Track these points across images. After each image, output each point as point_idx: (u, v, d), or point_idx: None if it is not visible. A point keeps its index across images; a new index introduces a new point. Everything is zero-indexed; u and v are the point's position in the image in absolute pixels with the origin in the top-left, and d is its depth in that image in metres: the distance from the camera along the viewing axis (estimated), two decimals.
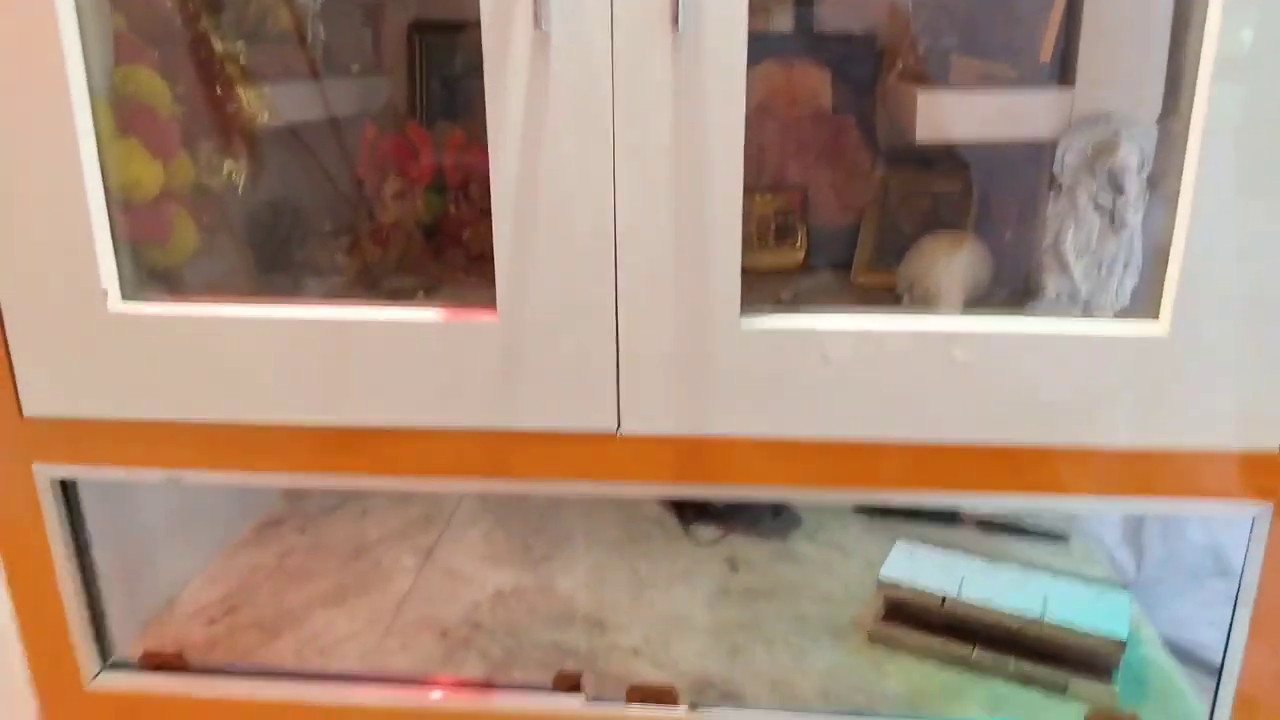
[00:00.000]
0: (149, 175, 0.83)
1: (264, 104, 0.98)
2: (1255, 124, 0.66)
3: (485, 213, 1.05)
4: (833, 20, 1.11)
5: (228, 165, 0.96)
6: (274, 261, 1.04)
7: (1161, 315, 0.71)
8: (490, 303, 0.74)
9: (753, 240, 1.09)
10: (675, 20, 0.66)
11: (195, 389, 0.79)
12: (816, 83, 1.11)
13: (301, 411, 0.78)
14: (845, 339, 0.72)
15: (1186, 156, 0.69)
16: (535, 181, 0.71)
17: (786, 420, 0.75)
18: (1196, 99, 0.69)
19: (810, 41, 1.10)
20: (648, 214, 0.71)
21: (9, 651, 0.87)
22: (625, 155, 0.70)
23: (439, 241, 1.08)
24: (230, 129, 0.97)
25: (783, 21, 1.11)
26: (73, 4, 0.73)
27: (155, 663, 0.91)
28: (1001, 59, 0.92)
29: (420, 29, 1.15)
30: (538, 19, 0.67)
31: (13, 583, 0.86)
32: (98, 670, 0.90)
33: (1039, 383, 0.72)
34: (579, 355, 0.74)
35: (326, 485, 0.81)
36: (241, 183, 0.98)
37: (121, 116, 0.81)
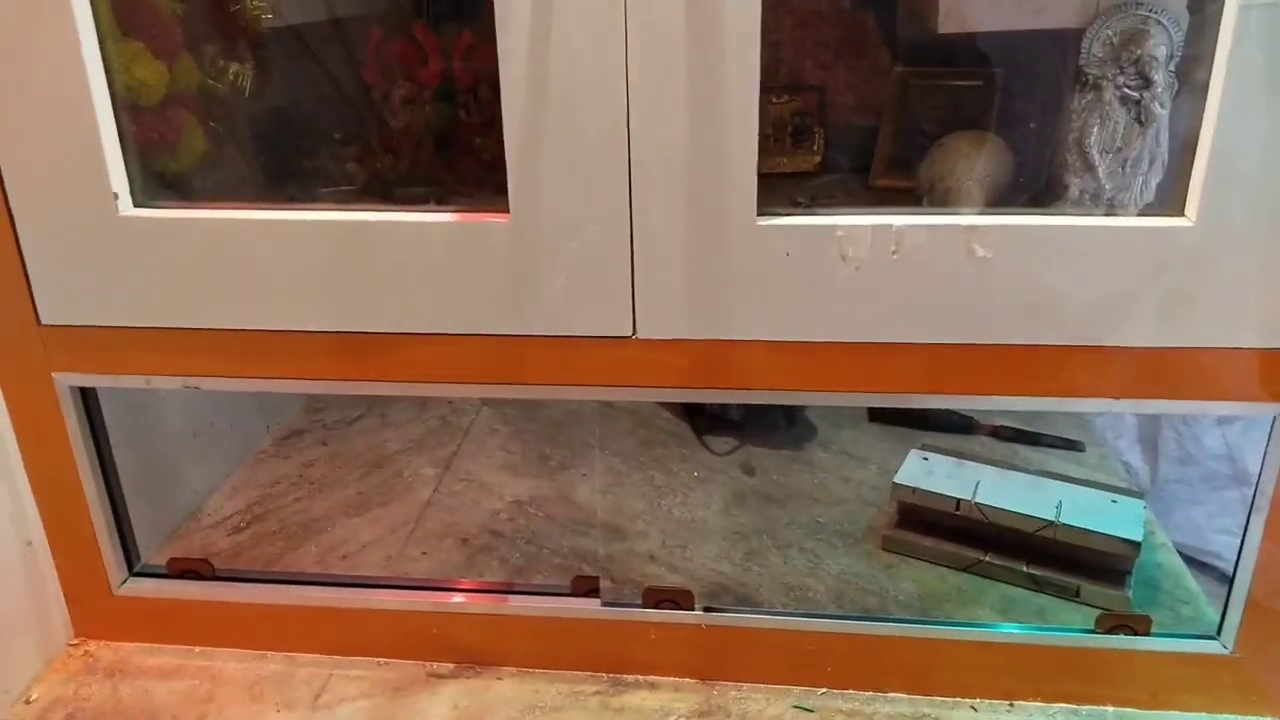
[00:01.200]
0: (154, 77, 0.81)
1: (267, 4, 0.95)
2: None
3: (497, 118, 1.03)
4: None
5: (233, 68, 0.94)
6: (284, 170, 1.03)
7: (1188, 209, 0.69)
8: (504, 207, 0.73)
9: (769, 143, 1.07)
10: None
11: (209, 296, 0.78)
12: None
13: (315, 317, 0.78)
14: (863, 235, 0.71)
15: (1218, 45, 0.66)
16: (545, 81, 0.69)
17: (804, 323, 0.74)
18: None
19: None
20: (661, 113, 0.69)
21: (39, 559, 0.89)
22: (638, 53, 0.67)
23: (451, 149, 1.06)
24: (234, 30, 0.94)
25: None
26: None
27: (181, 569, 0.93)
28: None
29: None
30: None
31: (39, 491, 0.87)
32: (124, 578, 0.92)
33: (1060, 281, 0.71)
34: (593, 258, 0.73)
35: (341, 391, 0.81)
36: (248, 86, 0.96)
37: (123, 17, 0.79)
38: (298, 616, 0.90)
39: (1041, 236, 0.71)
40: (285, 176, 1.02)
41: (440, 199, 0.98)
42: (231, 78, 0.94)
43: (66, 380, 0.82)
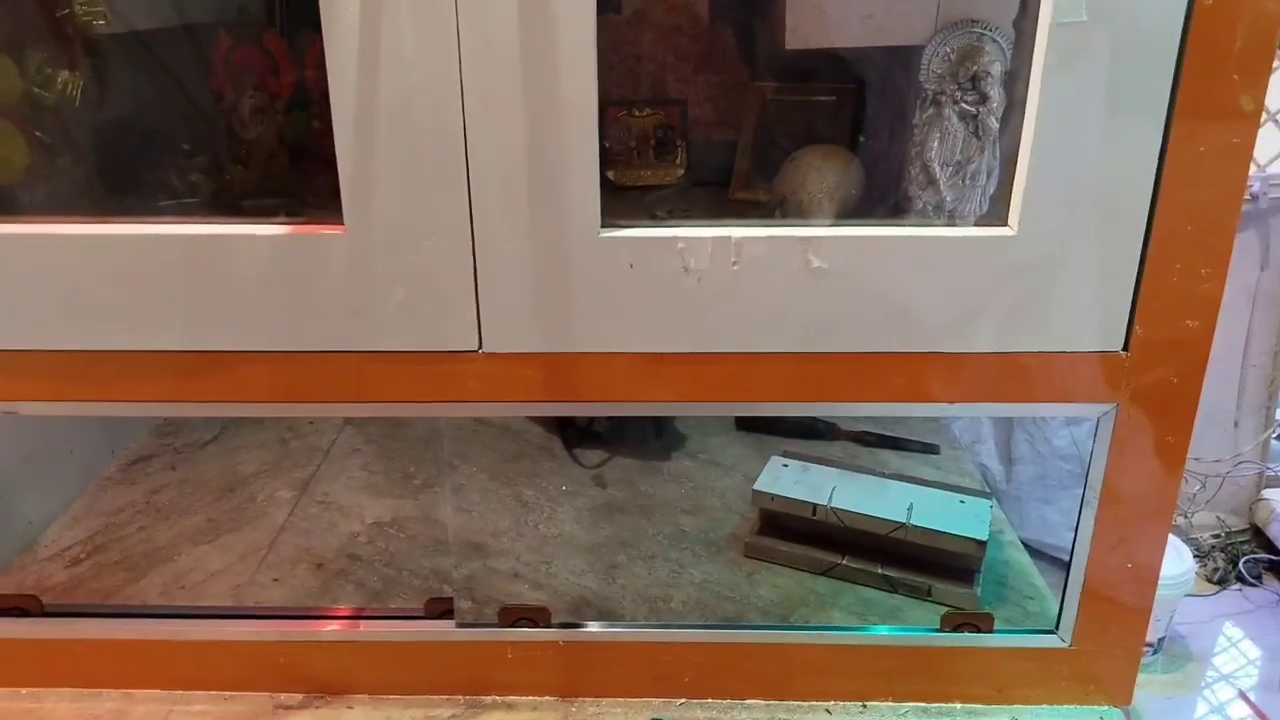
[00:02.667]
0: None
1: (101, 9, 0.91)
2: (1100, 20, 0.66)
3: None
4: None
5: (63, 76, 0.89)
6: (124, 182, 0.98)
7: (1010, 219, 0.72)
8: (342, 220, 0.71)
9: (632, 156, 1.07)
10: None
11: (34, 315, 0.74)
12: None
13: (149, 336, 0.74)
14: (703, 247, 0.71)
15: (1034, 59, 0.69)
16: (376, 91, 0.67)
17: (652, 334, 0.74)
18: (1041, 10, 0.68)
19: None
20: (498, 124, 0.68)
21: None
22: (471, 64, 0.66)
23: (305, 160, 1.03)
24: (62, 35, 0.90)
25: None
26: None
27: (5, 605, 0.87)
28: None
29: None
30: None
31: None
32: None
33: (898, 289, 0.73)
34: (434, 271, 0.72)
35: (177, 414, 0.78)
36: (79, 95, 0.91)
37: None
38: (135, 651, 0.85)
39: (876, 247, 0.73)
40: (125, 189, 0.97)
41: (292, 211, 0.95)
42: (60, 86, 0.89)
43: None
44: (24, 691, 0.86)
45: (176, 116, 1.04)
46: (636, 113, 1.08)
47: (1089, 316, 0.73)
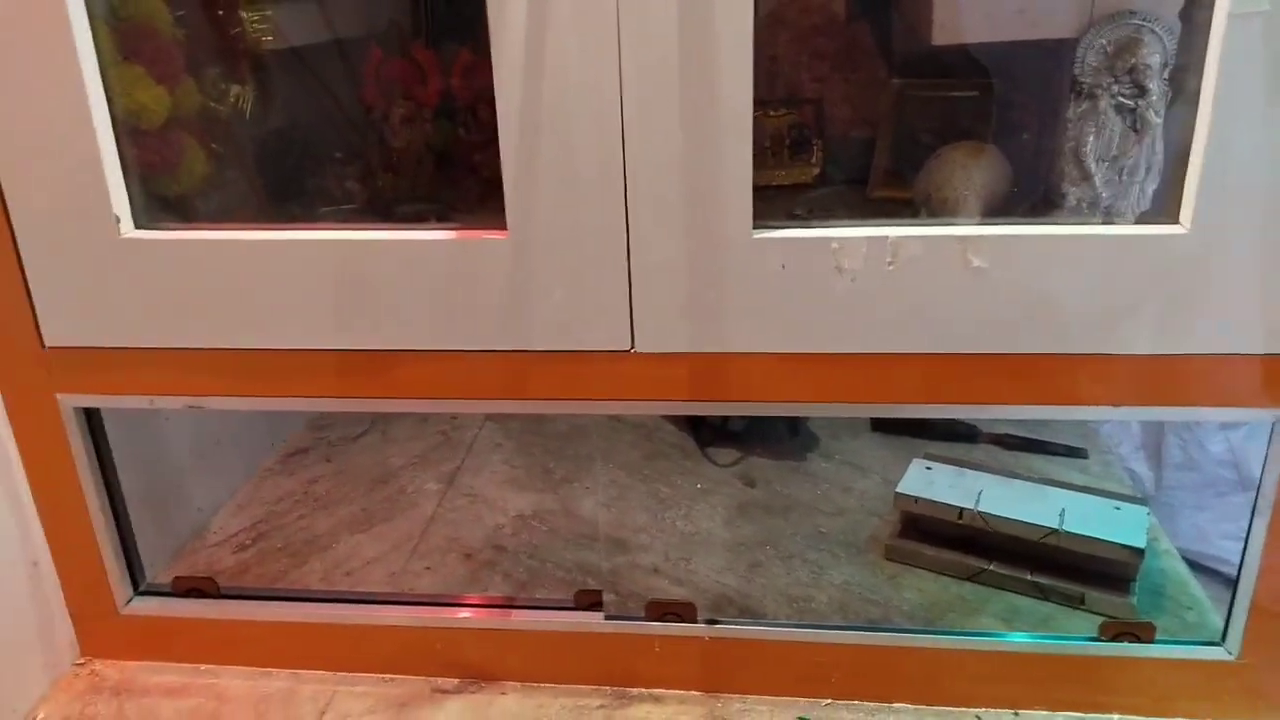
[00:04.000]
0: (154, 101, 0.82)
1: (268, 26, 0.96)
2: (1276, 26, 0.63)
3: (496, 136, 1.04)
4: None
5: (235, 90, 0.95)
6: (286, 190, 1.03)
7: (1182, 216, 0.69)
8: (502, 225, 0.74)
9: (767, 156, 1.07)
10: None
11: (211, 316, 0.79)
12: None
13: (318, 336, 0.79)
14: (858, 247, 0.71)
15: (1209, 51, 0.67)
16: (540, 98, 0.70)
17: (802, 335, 0.75)
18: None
19: None
20: (655, 129, 0.70)
21: (44, 580, 0.90)
22: (632, 69, 0.68)
23: (451, 166, 1.07)
24: (235, 52, 0.96)
25: None
26: None
27: (186, 587, 0.93)
28: None
29: None
30: None
31: (44, 512, 0.88)
32: (130, 597, 0.92)
33: (1057, 289, 0.71)
34: (590, 272, 0.74)
35: (344, 409, 0.82)
36: (249, 108, 0.97)
37: (123, 41, 0.80)
38: (302, 634, 0.90)
39: (1036, 246, 0.71)
40: (287, 196, 1.03)
41: (440, 216, 0.99)
42: (233, 100, 0.95)
43: (70, 401, 0.83)
44: (202, 668, 0.92)
45: (331, 126, 1.09)
46: (771, 113, 1.08)
47: (1256, 317, 0.70)
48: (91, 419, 0.86)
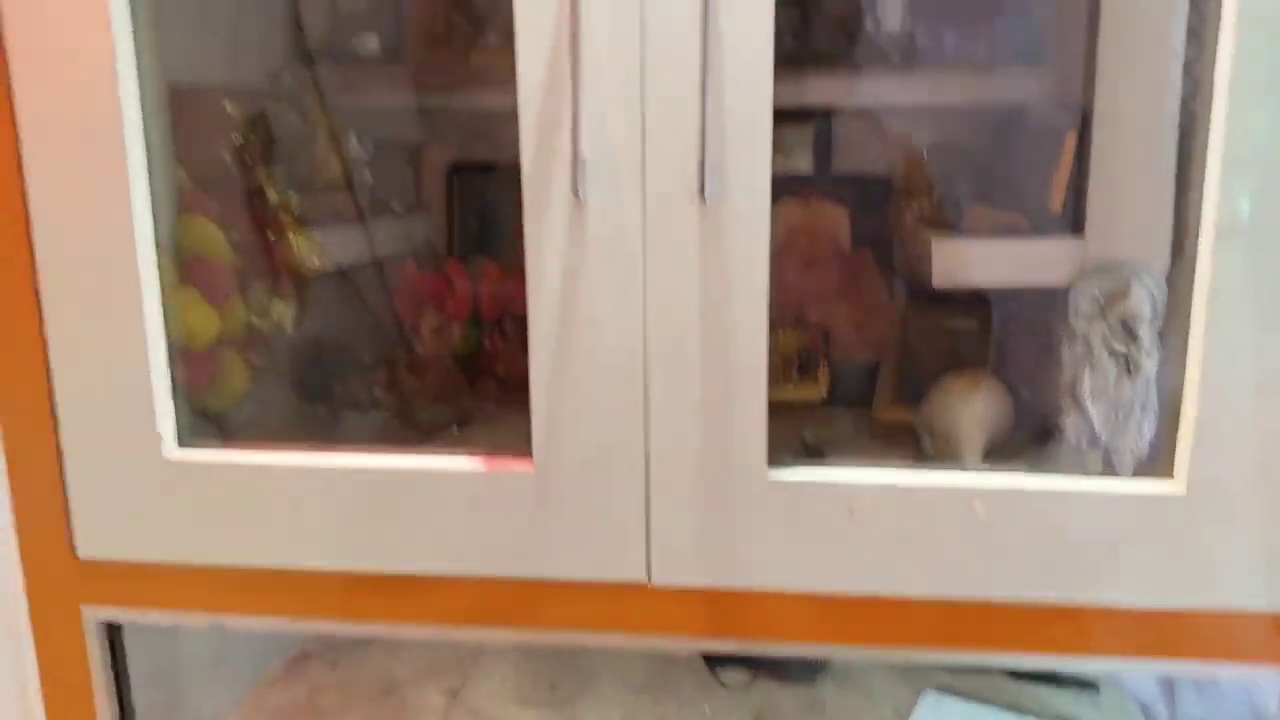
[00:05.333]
0: (206, 323, 0.87)
1: (313, 249, 1.03)
2: (1260, 286, 0.68)
3: (519, 345, 1.09)
4: (850, 161, 1.16)
5: (277, 307, 1.01)
6: (316, 395, 1.08)
7: (1176, 474, 0.72)
8: (523, 440, 0.77)
9: (776, 374, 1.12)
10: (702, 192, 0.71)
11: (241, 534, 0.81)
12: (835, 221, 1.16)
13: (339, 557, 0.81)
14: (869, 493, 0.74)
15: (1192, 319, 0.72)
16: (570, 338, 0.75)
17: (814, 573, 0.76)
18: (1200, 262, 0.72)
19: (828, 180, 1.15)
20: (676, 370, 0.74)
21: None
22: (655, 315, 0.73)
23: (474, 372, 1.12)
24: (281, 273, 1.02)
25: (801, 161, 1.16)
26: (143, 159, 0.79)
27: None
28: (1013, 207, 0.96)
29: (459, 169, 1.21)
30: (575, 188, 0.72)
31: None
32: None
33: (1060, 538, 0.74)
34: (609, 506, 0.76)
35: (361, 632, 0.83)
36: (290, 324, 1.02)
37: (182, 266, 0.86)
38: None
39: (1038, 499, 0.74)
40: (317, 400, 1.07)
41: (462, 423, 1.03)
42: (275, 316, 1.00)
43: (95, 614, 0.84)
44: None
45: (363, 334, 1.15)
46: (780, 334, 1.13)
47: (1260, 574, 0.72)
48: (111, 631, 0.86)
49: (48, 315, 0.79)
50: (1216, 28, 0.70)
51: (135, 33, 0.78)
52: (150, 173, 0.80)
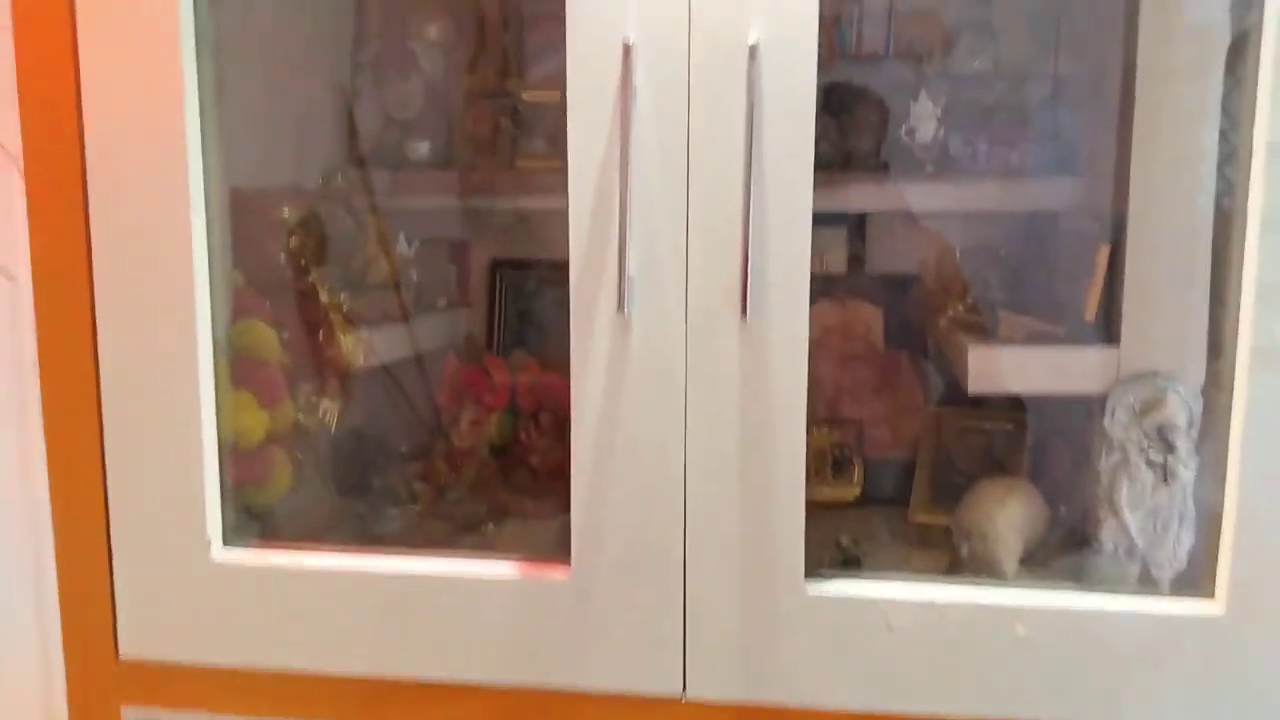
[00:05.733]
0: (256, 424, 0.90)
1: (360, 347, 1.06)
2: None
3: (555, 438, 1.11)
4: (884, 261, 1.18)
5: (324, 405, 1.03)
6: (355, 488, 1.10)
7: (1217, 593, 0.72)
8: (557, 539, 0.78)
9: (810, 473, 1.12)
10: (744, 310, 0.73)
11: (279, 637, 0.82)
12: (869, 320, 1.18)
13: (373, 663, 0.81)
14: (907, 609, 0.74)
15: (1230, 440, 0.72)
16: (611, 448, 0.76)
17: (852, 689, 0.76)
18: (1237, 383, 0.72)
19: (863, 280, 1.17)
20: (715, 482, 0.75)
21: None
22: (695, 427, 0.75)
23: (509, 463, 1.13)
24: (329, 372, 1.05)
25: (836, 261, 1.18)
26: (205, 263, 0.82)
27: None
28: (1047, 314, 0.97)
29: (501, 265, 1.24)
30: (621, 303, 0.74)
31: None
32: None
33: (1101, 656, 0.73)
34: (646, 615, 0.77)
35: None
36: (335, 421, 1.05)
37: (236, 369, 0.88)
38: None
39: (1082, 617, 0.74)
40: (356, 492, 1.09)
41: (498, 519, 1.04)
42: (321, 414, 1.03)
43: (134, 715, 0.85)
44: None
45: (404, 426, 1.17)
46: (815, 431, 1.14)
47: None
48: None
49: (107, 417, 0.82)
50: (1250, 146, 0.72)
51: (204, 141, 0.82)
52: (211, 276, 0.83)
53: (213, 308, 0.84)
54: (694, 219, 0.73)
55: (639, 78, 0.71)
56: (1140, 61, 0.81)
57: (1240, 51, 0.76)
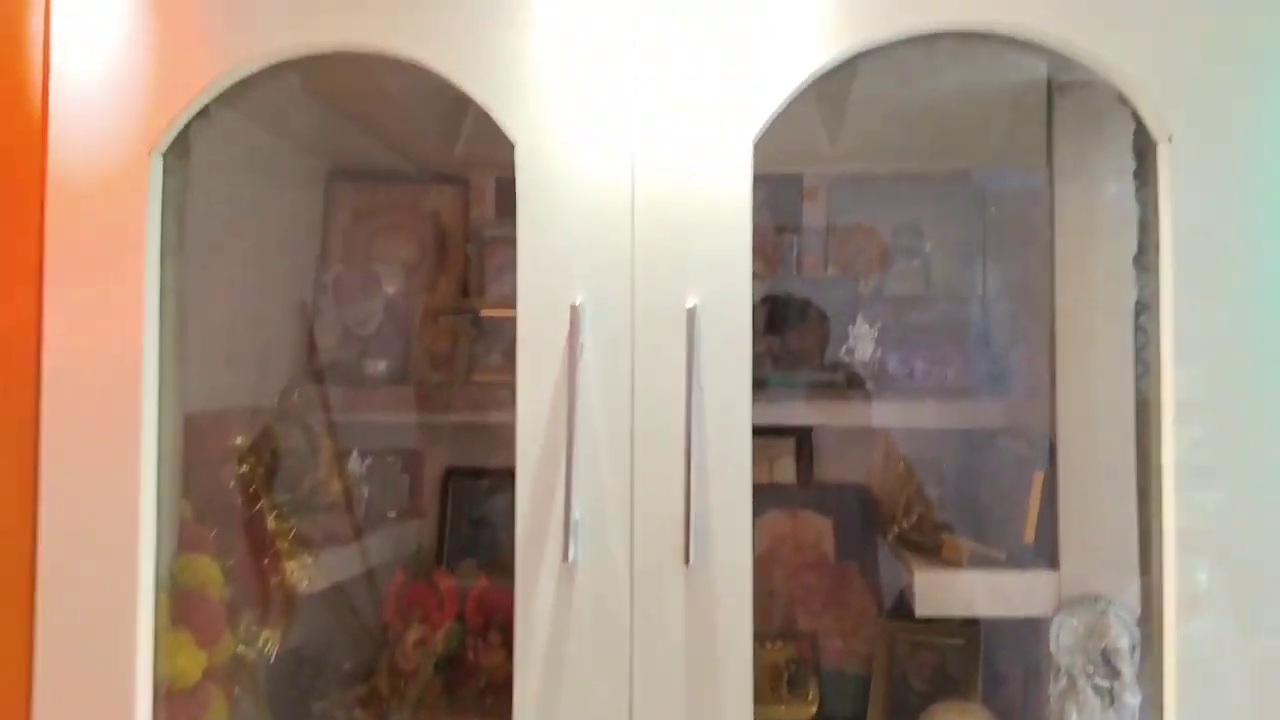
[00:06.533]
0: (193, 665, 0.87)
1: (306, 573, 1.04)
2: (1223, 649, 0.71)
3: (503, 654, 1.08)
4: (832, 471, 1.20)
5: (264, 635, 1.00)
6: (294, 715, 1.06)
7: None
8: None
9: (765, 691, 1.10)
10: (687, 557, 0.74)
11: None
12: (820, 530, 1.18)
13: None
14: None
15: (1165, 690, 0.73)
16: (556, 694, 0.75)
17: None
18: (1166, 636, 0.74)
19: (812, 491, 1.18)
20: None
21: None
22: (641, 672, 0.74)
23: (455, 677, 1.10)
24: (272, 601, 1.02)
25: (785, 470, 1.20)
26: (154, 495, 0.82)
27: None
28: (989, 531, 0.99)
29: (454, 473, 1.24)
30: (566, 553, 0.74)
31: None
32: None
33: None
34: None
35: None
36: (274, 651, 1.01)
37: (176, 605, 0.86)
38: None
39: None
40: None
41: None
42: (260, 644, 1.00)
43: None
44: None
45: (344, 646, 1.13)
46: (769, 645, 1.12)
47: None
48: None
49: (39, 654, 0.79)
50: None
51: (161, 366, 0.83)
52: (159, 510, 0.83)
53: (158, 544, 0.83)
54: (639, 470, 0.75)
55: (585, 335, 0.74)
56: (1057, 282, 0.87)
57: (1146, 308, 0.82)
